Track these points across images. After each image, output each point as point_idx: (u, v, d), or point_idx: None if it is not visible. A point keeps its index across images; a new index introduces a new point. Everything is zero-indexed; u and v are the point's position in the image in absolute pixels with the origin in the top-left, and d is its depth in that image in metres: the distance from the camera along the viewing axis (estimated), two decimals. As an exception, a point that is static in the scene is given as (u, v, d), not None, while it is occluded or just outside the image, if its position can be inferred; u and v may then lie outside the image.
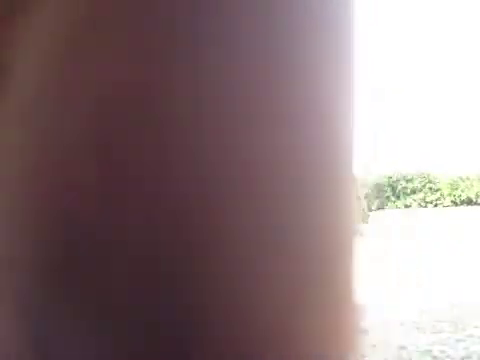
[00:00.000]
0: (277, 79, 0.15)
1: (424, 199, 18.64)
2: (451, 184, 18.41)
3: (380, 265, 7.75)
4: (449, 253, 8.90)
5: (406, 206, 18.51)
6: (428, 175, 18.89)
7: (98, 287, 0.15)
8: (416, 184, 18.75)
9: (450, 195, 18.44)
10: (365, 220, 17.80)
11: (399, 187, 18.82)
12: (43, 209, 0.15)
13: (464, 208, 17.04)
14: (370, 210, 18.09)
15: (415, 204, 18.55)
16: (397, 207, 18.45)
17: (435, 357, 3.42)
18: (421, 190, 18.72)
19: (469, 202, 18.37)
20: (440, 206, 18.21)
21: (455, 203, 18.52)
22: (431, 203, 18.52)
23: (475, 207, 16.95)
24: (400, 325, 4.13)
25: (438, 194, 18.60)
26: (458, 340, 3.75)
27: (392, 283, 6.12)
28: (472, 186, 18.30)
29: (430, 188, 18.67)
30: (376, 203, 18.45)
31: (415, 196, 18.74)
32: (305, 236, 0.15)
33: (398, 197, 18.84)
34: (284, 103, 0.15)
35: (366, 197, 18.48)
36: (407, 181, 18.84)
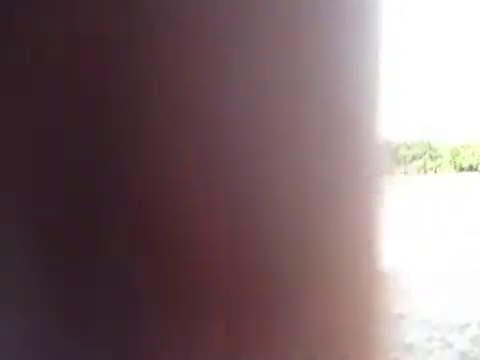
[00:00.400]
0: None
1: (424, 166, 18.56)
2: (452, 151, 18.29)
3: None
4: (448, 219, 8.81)
5: (406, 173, 18.45)
6: (429, 142, 18.77)
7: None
8: (417, 151, 18.64)
9: (451, 162, 18.34)
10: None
11: (400, 154, 18.72)
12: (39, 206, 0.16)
13: (464, 175, 16.95)
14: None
15: (415, 171, 18.48)
16: (397, 174, 18.44)
17: (434, 326, 3.34)
18: (421, 157, 18.63)
19: (470, 169, 18.28)
20: (440, 173, 18.14)
21: (456, 170, 18.43)
22: (431, 170, 18.44)
23: (475, 173, 16.86)
24: (400, 293, 4.05)
25: (438, 161, 18.51)
26: (457, 308, 3.67)
27: (392, 249, 6.04)
28: (473, 154, 18.18)
29: (430, 155, 18.57)
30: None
31: (416, 163, 18.65)
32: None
33: (398, 164, 18.78)
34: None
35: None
36: (408, 148, 18.72)
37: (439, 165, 18.56)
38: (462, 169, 18.29)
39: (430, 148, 18.81)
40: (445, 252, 5.72)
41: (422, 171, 18.37)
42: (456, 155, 18.45)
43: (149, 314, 0.14)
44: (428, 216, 9.60)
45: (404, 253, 5.78)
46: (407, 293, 4.13)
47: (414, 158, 18.68)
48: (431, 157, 18.70)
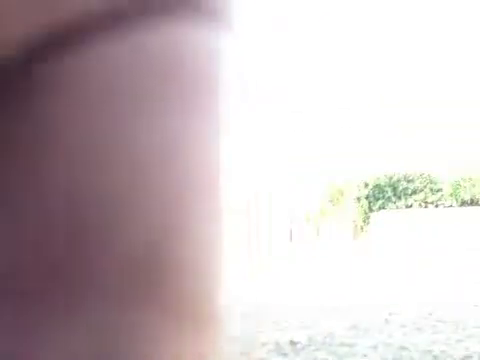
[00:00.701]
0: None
1: (425, 199, 18.62)
2: (452, 184, 18.38)
3: (381, 265, 7.74)
4: (449, 252, 8.89)
5: (407, 206, 18.50)
6: (429, 175, 18.88)
7: None
8: (417, 184, 18.73)
9: (452, 196, 18.42)
10: (366, 220, 17.77)
11: (400, 187, 18.80)
12: None
13: (465, 209, 17.01)
14: (371, 211, 18.07)
15: (416, 204, 18.53)
16: (398, 207, 18.44)
17: (436, 357, 3.41)
18: (422, 190, 18.70)
19: (471, 203, 18.34)
20: (441, 206, 18.19)
21: (457, 203, 18.48)
22: (432, 203, 18.50)
23: (477, 207, 16.91)
24: (401, 326, 4.13)
25: (439, 194, 18.58)
26: (458, 340, 3.75)
27: (393, 283, 6.10)
28: (474, 186, 18.27)
29: (431, 188, 18.64)
30: (377, 204, 18.43)
31: (416, 196, 18.72)
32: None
33: (399, 197, 18.82)
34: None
35: (367, 198, 18.46)
36: (408, 181, 18.82)
37: (440, 198, 18.65)
38: (463, 202, 18.36)
39: (431, 181, 18.91)
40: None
41: (423, 205, 18.44)
42: (457, 188, 18.55)
43: None
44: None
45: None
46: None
47: (414, 191, 18.77)
48: (432, 190, 18.78)
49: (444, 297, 5.11)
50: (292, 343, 3.79)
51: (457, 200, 18.21)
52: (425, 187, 18.64)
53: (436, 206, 18.16)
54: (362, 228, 17.68)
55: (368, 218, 18.09)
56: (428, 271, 7.07)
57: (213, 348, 0.18)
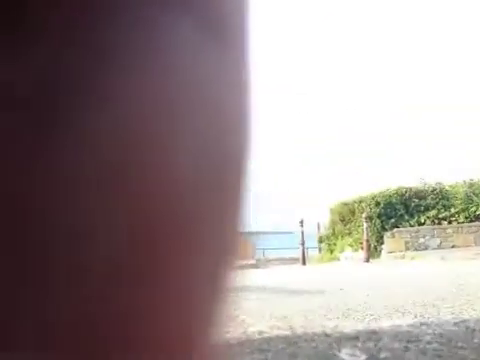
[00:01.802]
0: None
1: (437, 216, 18.42)
2: (464, 200, 18.20)
3: (394, 287, 7.60)
4: (467, 271, 8.74)
5: (420, 224, 18.30)
6: (441, 191, 18.70)
7: None
8: (429, 201, 18.55)
9: (464, 211, 18.22)
10: (380, 240, 17.58)
11: (412, 205, 18.62)
12: None
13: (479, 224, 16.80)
14: (384, 229, 17.88)
15: (429, 221, 18.34)
16: (411, 225, 18.25)
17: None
18: (434, 207, 18.51)
19: (484, 218, 18.10)
20: (454, 223, 17.98)
21: (470, 219, 18.27)
22: (445, 220, 18.30)
23: (490, 222, 16.68)
24: (421, 353, 4.01)
25: (452, 210, 18.38)
26: None
27: (409, 307, 5.98)
28: (486, 201, 18.06)
29: (444, 205, 18.45)
30: (390, 222, 18.24)
31: (428, 213, 18.53)
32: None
33: (411, 215, 18.63)
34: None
35: (379, 217, 18.29)
36: (420, 198, 18.64)
37: (453, 214, 18.45)
38: (477, 217, 18.15)
39: (442, 197, 18.74)
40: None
41: (436, 221, 18.25)
42: (469, 203, 18.35)
43: None
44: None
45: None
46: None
47: (427, 208, 18.59)
48: (444, 207, 18.60)
49: (463, 322, 4.99)
50: (309, 376, 3.69)
51: (469, 215, 18.00)
52: (437, 203, 18.45)
53: (449, 222, 17.96)
54: (376, 248, 17.46)
55: (381, 237, 17.89)
56: (446, 290, 6.91)
57: None
